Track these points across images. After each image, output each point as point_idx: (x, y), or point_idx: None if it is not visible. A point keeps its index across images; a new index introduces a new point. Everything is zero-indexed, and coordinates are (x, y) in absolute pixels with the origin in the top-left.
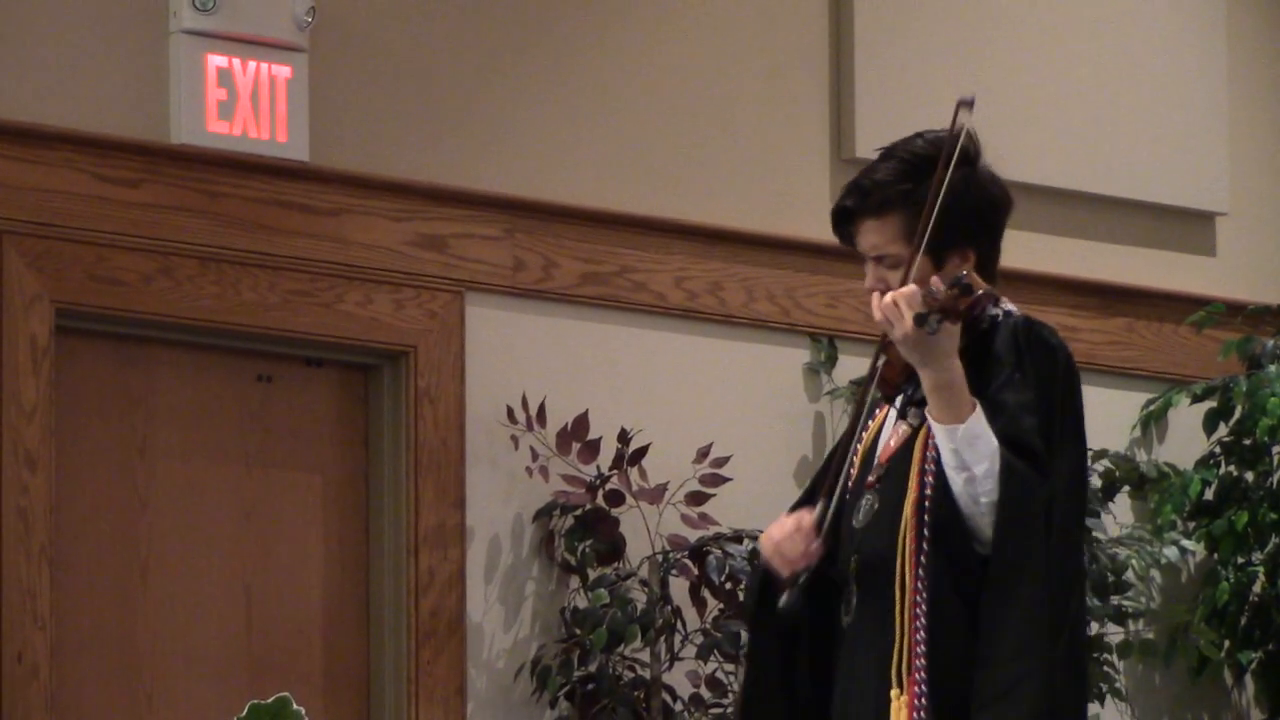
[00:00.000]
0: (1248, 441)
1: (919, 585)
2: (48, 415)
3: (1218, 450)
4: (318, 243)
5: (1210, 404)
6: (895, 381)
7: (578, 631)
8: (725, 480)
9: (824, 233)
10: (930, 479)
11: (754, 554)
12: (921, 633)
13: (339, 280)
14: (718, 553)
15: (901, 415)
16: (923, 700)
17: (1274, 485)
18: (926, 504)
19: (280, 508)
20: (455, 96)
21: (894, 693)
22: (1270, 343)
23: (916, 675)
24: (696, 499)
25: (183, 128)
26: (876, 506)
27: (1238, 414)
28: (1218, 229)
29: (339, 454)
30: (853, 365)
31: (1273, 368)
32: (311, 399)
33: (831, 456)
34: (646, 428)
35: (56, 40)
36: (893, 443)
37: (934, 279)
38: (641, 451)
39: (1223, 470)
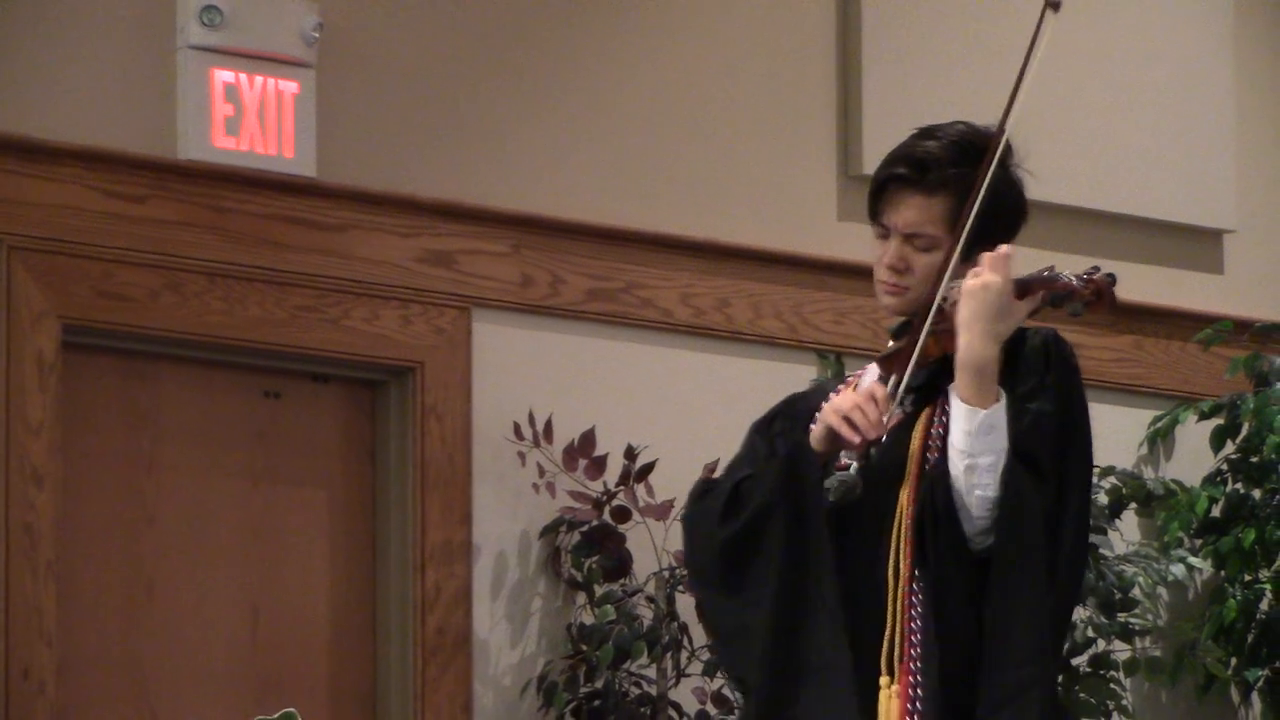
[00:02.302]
0: (1255, 459)
1: (916, 573)
2: (54, 431)
3: (1225, 467)
4: (325, 258)
5: (1217, 421)
6: (913, 369)
7: (584, 648)
8: None
9: (832, 249)
10: (931, 467)
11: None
12: (918, 621)
13: (346, 296)
14: None
15: (899, 401)
16: (918, 690)
17: None
18: (933, 489)
19: (287, 524)
20: (462, 112)
21: (884, 680)
22: (1277, 360)
23: (911, 664)
24: None
25: (190, 143)
26: (859, 489)
27: (1245, 431)
28: (1225, 246)
29: (346, 470)
30: None
31: None
32: (318, 415)
33: (803, 425)
34: (653, 444)
35: (63, 56)
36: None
37: (1052, 274)
38: (648, 468)
39: (1230, 487)
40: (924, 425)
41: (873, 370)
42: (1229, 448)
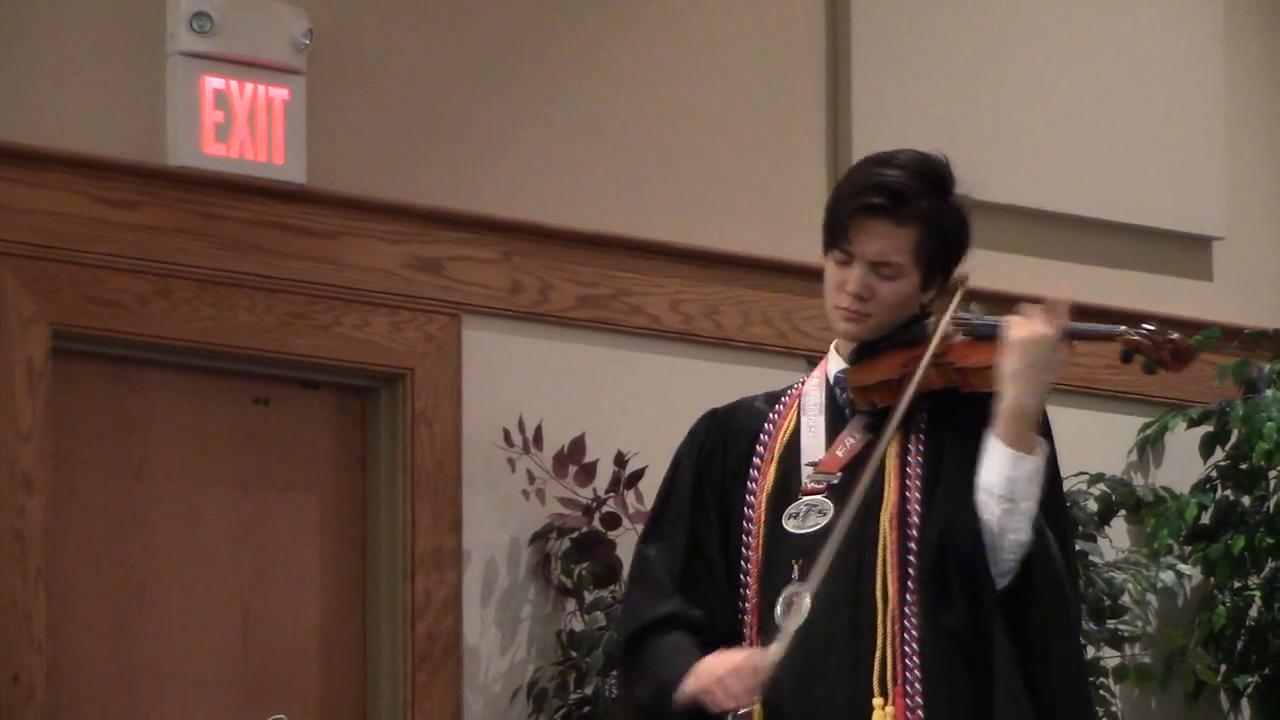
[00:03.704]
0: (1244, 466)
1: (906, 597)
2: (44, 438)
3: (1214, 474)
4: (315, 265)
5: (1207, 428)
6: (873, 397)
7: (574, 654)
8: None
9: (821, 257)
10: (916, 494)
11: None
12: (914, 644)
13: (336, 302)
14: None
15: (871, 428)
16: (918, 712)
17: (1270, 509)
18: (913, 517)
19: (277, 530)
20: (452, 119)
21: (877, 701)
22: (1267, 367)
23: (906, 687)
24: None
25: (180, 150)
26: (830, 514)
27: (1234, 438)
28: (1214, 253)
29: (336, 476)
30: None
31: (1269, 392)
32: (308, 421)
33: (738, 446)
34: (643, 450)
35: (53, 62)
36: (840, 452)
37: (1109, 328)
38: (638, 474)
39: (1219, 494)
40: (899, 455)
41: (813, 392)
42: (1218, 454)
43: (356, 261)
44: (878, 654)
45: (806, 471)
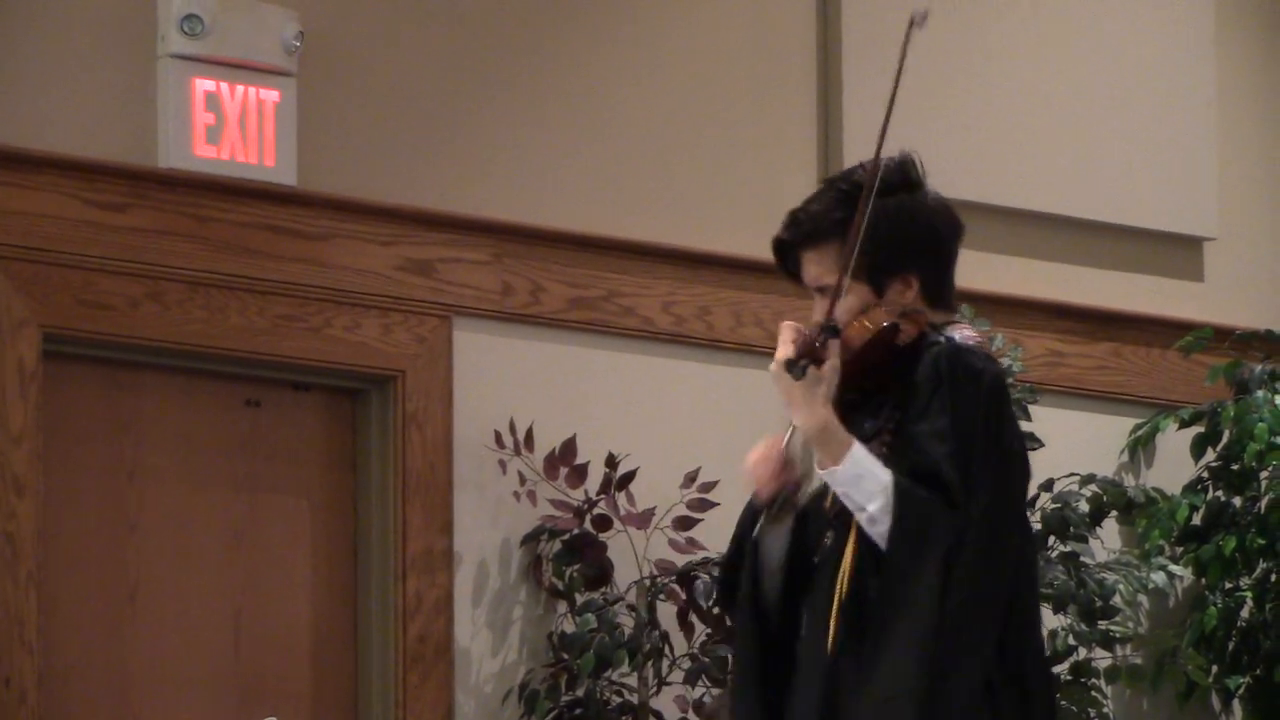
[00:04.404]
0: (1235, 466)
1: (843, 603)
2: (35, 440)
3: (1205, 475)
4: (305, 267)
5: (1198, 429)
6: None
7: (565, 656)
8: (713, 505)
9: None
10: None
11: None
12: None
13: (327, 305)
14: (705, 577)
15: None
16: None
17: (1261, 510)
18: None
19: (268, 532)
20: (443, 121)
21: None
22: (1258, 368)
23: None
24: (684, 524)
25: (170, 152)
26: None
27: (1225, 439)
28: (1206, 254)
29: (327, 478)
30: None
31: (1260, 393)
32: (299, 423)
33: None
34: (634, 452)
35: (44, 65)
36: None
37: (810, 324)
38: (629, 476)
39: (1210, 495)
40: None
41: None
42: (1209, 455)
43: (347, 263)
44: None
45: None
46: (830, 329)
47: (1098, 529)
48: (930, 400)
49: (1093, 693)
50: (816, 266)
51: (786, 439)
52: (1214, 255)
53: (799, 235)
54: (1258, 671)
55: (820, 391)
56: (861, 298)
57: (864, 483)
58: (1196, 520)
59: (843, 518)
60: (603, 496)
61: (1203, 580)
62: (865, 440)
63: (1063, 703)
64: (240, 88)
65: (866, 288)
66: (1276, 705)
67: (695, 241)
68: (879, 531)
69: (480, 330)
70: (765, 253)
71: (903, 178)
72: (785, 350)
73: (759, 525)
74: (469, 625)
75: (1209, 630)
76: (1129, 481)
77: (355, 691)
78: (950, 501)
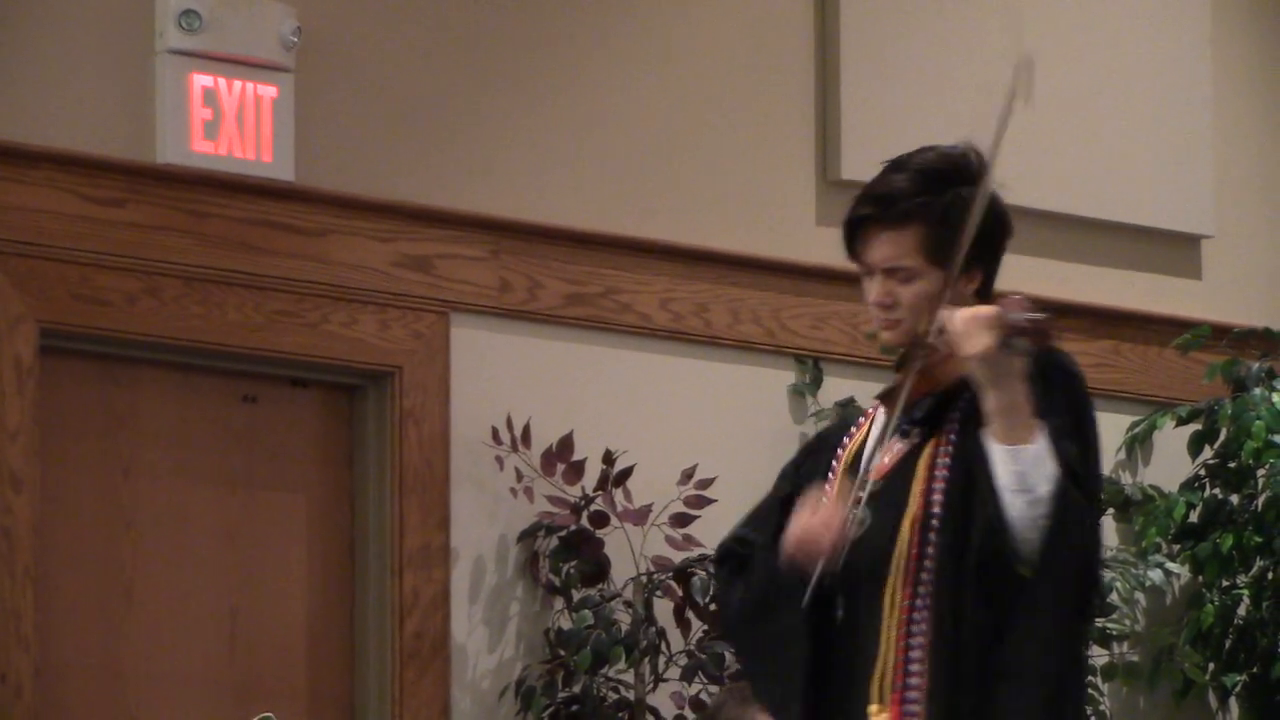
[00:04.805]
0: (1233, 464)
1: (915, 603)
2: (32, 436)
3: (1203, 473)
4: (303, 263)
5: (1195, 427)
6: (914, 400)
7: (562, 653)
8: (710, 502)
9: (810, 254)
10: (939, 496)
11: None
12: (919, 651)
13: (324, 301)
14: (702, 574)
15: (903, 434)
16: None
17: (1258, 508)
18: (934, 521)
19: (265, 528)
20: (441, 117)
21: (873, 708)
22: (1255, 365)
23: (906, 694)
24: (681, 520)
25: (168, 147)
26: (869, 522)
27: (1223, 437)
28: (1203, 252)
29: (323, 475)
30: (837, 387)
31: (1258, 391)
32: (296, 419)
33: (825, 459)
34: (631, 449)
35: (41, 59)
36: (887, 460)
37: (1006, 303)
38: (626, 473)
39: (1208, 493)
40: (929, 460)
41: (881, 415)
42: (1207, 453)
43: (345, 259)
44: (879, 662)
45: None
46: (1047, 315)
47: None
48: (1047, 398)
49: (1090, 690)
50: (894, 247)
51: (849, 513)
52: (1212, 253)
53: (885, 214)
54: (1254, 669)
55: (1023, 369)
56: (938, 286)
57: (1044, 466)
58: (1194, 518)
59: (888, 498)
60: (600, 493)
61: (1200, 578)
62: (904, 436)
63: None
64: (238, 83)
65: (943, 277)
66: (1273, 703)
67: (693, 239)
68: (1040, 514)
69: (478, 326)
70: (763, 250)
71: (980, 168)
72: (988, 329)
73: (806, 598)
74: (466, 621)
75: (1206, 628)
76: (1126, 479)
77: (351, 687)
78: (1088, 497)
